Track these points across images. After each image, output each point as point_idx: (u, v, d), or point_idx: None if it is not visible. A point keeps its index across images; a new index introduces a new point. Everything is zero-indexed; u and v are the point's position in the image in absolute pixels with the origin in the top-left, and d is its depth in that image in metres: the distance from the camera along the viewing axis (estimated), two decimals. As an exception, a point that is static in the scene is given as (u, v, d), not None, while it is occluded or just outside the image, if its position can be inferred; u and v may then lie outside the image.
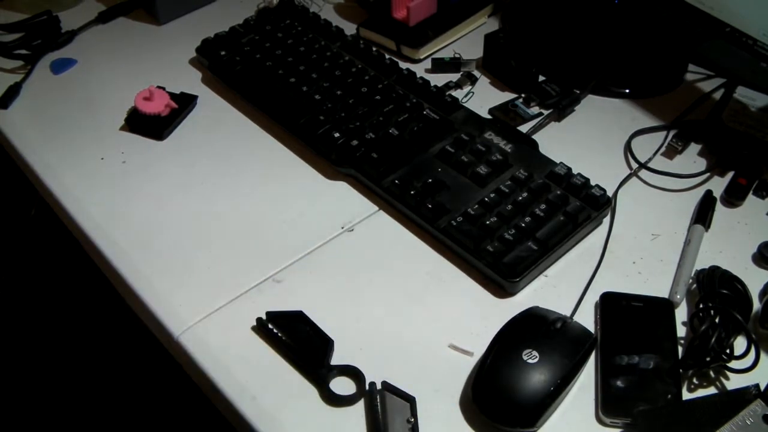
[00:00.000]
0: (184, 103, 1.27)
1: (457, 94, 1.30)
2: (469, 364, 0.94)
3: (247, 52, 1.33)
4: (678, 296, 1.01)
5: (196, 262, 1.06)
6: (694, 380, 0.93)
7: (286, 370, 0.94)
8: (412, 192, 1.09)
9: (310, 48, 1.34)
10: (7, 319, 1.82)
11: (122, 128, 1.25)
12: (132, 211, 1.13)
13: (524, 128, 1.24)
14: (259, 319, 0.97)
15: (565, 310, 0.99)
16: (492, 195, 1.09)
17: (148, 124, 1.24)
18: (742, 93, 1.27)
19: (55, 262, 1.72)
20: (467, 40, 1.43)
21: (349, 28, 1.43)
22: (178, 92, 1.28)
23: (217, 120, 1.27)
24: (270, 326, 0.96)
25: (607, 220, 1.11)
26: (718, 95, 1.30)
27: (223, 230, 1.10)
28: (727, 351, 0.92)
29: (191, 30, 1.43)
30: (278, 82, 1.27)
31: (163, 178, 1.17)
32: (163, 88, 1.26)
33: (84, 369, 1.79)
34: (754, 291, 1.01)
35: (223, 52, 1.33)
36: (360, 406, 0.91)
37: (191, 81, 1.34)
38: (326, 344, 0.94)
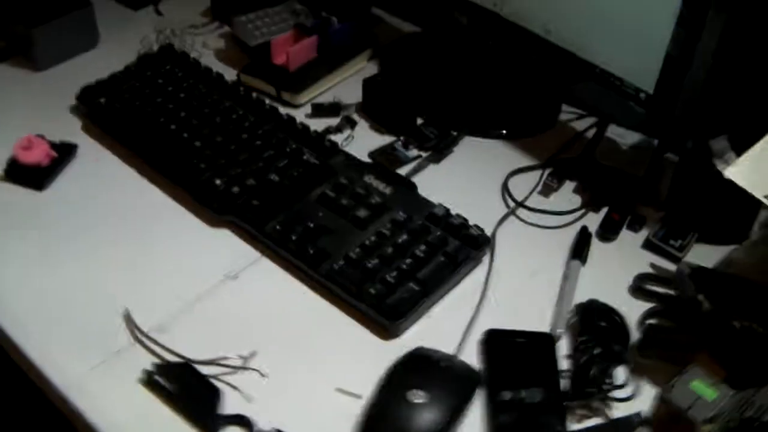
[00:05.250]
0: (65, 152, 1.26)
1: (338, 138, 1.31)
2: (357, 406, 0.95)
3: (127, 98, 1.33)
4: (559, 330, 1.03)
5: (80, 314, 1.05)
6: (579, 411, 0.95)
7: (176, 422, 0.93)
8: (293, 237, 1.10)
9: (190, 94, 1.34)
10: None
11: (0, 179, 1.23)
12: (11, 264, 1.11)
13: (404, 170, 1.26)
14: (145, 371, 0.96)
15: (450, 349, 1.01)
16: (372, 238, 1.10)
17: (28, 175, 1.22)
18: (613, 131, 1.31)
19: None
20: (347, 85, 1.45)
21: (230, 74, 1.43)
22: (58, 141, 1.27)
23: (99, 169, 1.26)
24: (157, 378, 0.95)
25: (487, 258, 1.13)
26: (591, 134, 1.34)
27: (105, 281, 1.09)
28: (608, 381, 0.95)
29: (71, 76, 1.41)
30: (158, 129, 1.27)
31: (43, 228, 1.16)
32: (43, 137, 1.25)
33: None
34: (632, 321, 1.04)
35: (102, 99, 1.32)
36: (251, 455, 0.91)
37: (72, 129, 1.32)
38: (214, 394, 0.94)
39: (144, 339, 1.01)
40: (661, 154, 1.25)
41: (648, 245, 1.17)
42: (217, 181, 1.17)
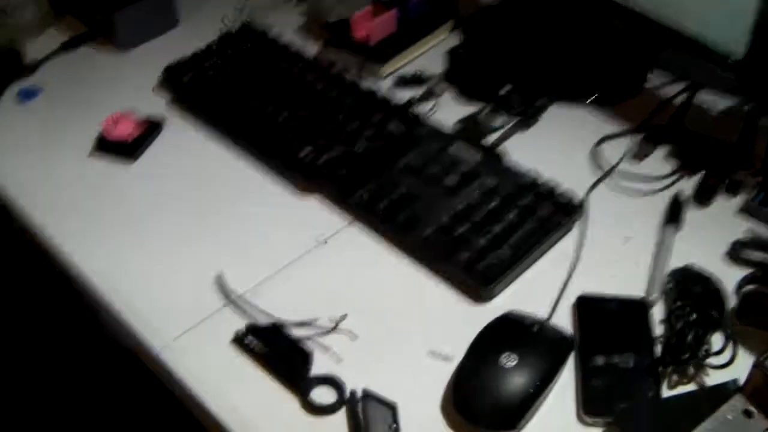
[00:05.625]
0: (151, 127, 1.28)
1: (422, 109, 1.30)
2: (448, 369, 0.94)
3: (209, 76, 1.34)
4: (653, 296, 1.01)
5: (173, 279, 1.07)
6: (674, 377, 0.93)
7: (267, 382, 0.94)
8: (381, 206, 1.10)
9: (272, 71, 1.34)
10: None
11: (90, 154, 1.25)
12: (106, 233, 1.13)
13: (490, 140, 1.24)
14: (236, 333, 0.97)
15: (542, 314, 0.99)
16: (463, 205, 1.09)
17: (116, 149, 1.24)
18: (703, 97, 1.28)
19: (36, 278, 1.71)
20: (430, 56, 1.44)
21: (311, 50, 1.43)
22: (144, 117, 1.28)
23: (184, 143, 1.27)
24: (248, 339, 0.96)
25: (579, 224, 1.12)
26: (679, 100, 1.31)
27: (198, 248, 1.10)
28: (705, 348, 0.92)
29: (154, 56, 1.43)
30: (242, 104, 1.27)
31: (134, 200, 1.18)
32: (129, 114, 1.27)
33: (65, 385, 1.79)
34: (729, 288, 1.02)
35: (186, 78, 1.34)
36: (341, 415, 0.91)
37: (157, 106, 1.34)
38: (305, 356, 0.94)
39: (236, 300, 1.02)
40: (754, 119, 1.22)
41: (745, 210, 1.14)
42: (304, 152, 1.17)
